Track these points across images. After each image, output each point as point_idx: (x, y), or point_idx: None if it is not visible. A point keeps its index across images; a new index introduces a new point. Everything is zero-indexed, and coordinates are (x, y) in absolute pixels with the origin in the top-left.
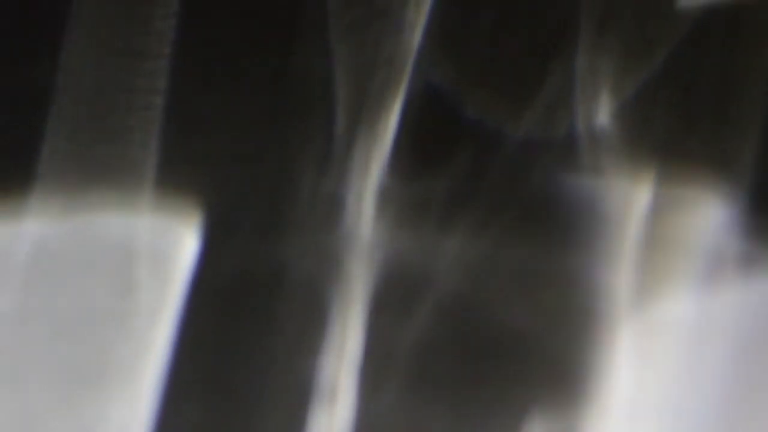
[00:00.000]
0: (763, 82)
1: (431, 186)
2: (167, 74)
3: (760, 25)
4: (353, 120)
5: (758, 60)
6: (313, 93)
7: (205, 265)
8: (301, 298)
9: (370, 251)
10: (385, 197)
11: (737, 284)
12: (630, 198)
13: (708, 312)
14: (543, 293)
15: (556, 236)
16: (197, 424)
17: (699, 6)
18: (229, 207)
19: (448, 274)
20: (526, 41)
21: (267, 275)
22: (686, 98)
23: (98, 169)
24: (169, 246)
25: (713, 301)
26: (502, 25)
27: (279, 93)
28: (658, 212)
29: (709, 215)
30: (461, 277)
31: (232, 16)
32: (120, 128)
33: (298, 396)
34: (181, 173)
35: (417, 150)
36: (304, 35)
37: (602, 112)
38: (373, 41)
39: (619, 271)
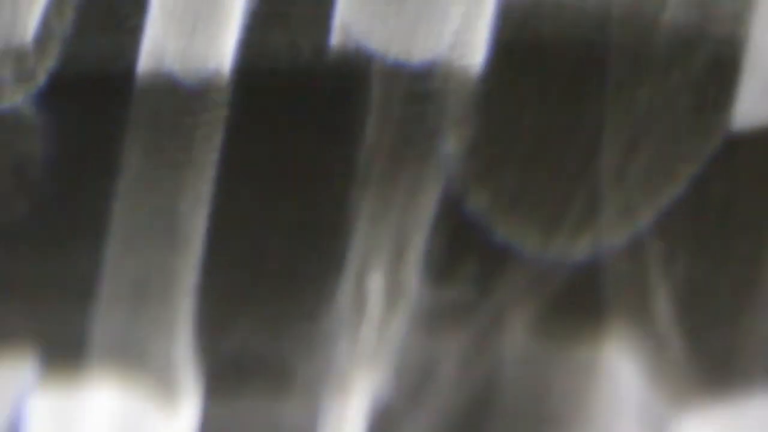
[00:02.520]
0: None
1: (447, 299)
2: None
3: None
4: (381, 235)
5: None
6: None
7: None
8: (300, 400)
9: (374, 356)
10: (401, 304)
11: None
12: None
13: None
14: (547, 409)
15: (564, 353)
16: None
17: (735, 127)
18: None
19: (451, 383)
20: (553, 170)
21: (267, 373)
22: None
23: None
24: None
25: None
26: (532, 155)
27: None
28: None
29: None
30: (465, 389)
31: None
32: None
33: None
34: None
35: (441, 271)
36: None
37: (623, 239)
38: (410, 171)
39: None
